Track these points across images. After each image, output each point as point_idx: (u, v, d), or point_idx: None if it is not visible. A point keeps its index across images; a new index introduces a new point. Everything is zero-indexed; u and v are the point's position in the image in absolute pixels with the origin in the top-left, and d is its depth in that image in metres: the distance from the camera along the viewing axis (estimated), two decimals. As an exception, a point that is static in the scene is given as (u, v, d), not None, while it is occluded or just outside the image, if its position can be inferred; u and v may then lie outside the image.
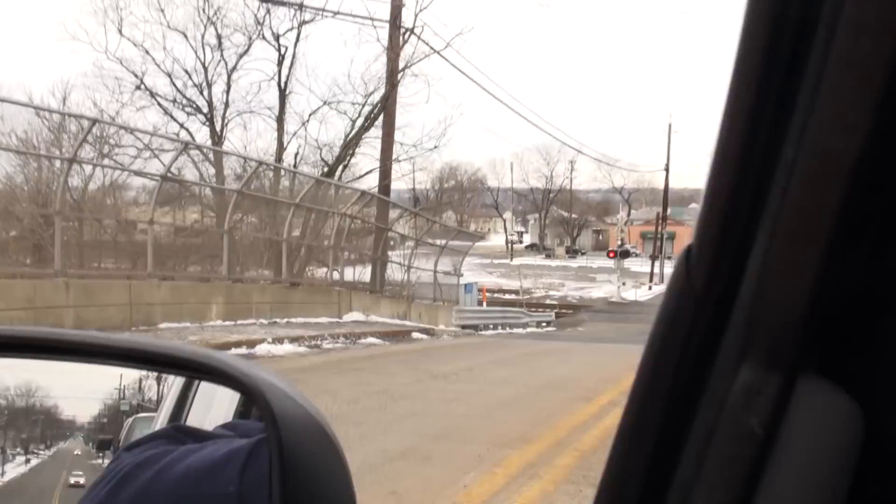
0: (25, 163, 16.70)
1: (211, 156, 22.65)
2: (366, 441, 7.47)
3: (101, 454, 1.89)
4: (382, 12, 27.11)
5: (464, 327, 31.12)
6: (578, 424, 8.81)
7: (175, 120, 27.89)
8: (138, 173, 19.34)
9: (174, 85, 27.80)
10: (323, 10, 27.16)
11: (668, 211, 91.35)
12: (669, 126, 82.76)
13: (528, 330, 39.90)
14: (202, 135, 28.12)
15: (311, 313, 20.35)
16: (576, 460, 7.17)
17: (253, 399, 1.07)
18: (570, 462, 7.09)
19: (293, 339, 15.19)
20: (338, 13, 26.69)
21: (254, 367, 1.09)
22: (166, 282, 16.44)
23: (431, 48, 27.29)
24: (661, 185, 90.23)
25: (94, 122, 17.71)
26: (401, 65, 27.37)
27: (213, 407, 1.88)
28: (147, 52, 27.44)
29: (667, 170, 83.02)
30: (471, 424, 8.58)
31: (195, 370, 1.26)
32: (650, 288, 73.40)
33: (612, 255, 65.15)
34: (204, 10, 27.64)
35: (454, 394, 10.46)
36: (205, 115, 27.91)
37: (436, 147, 30.38)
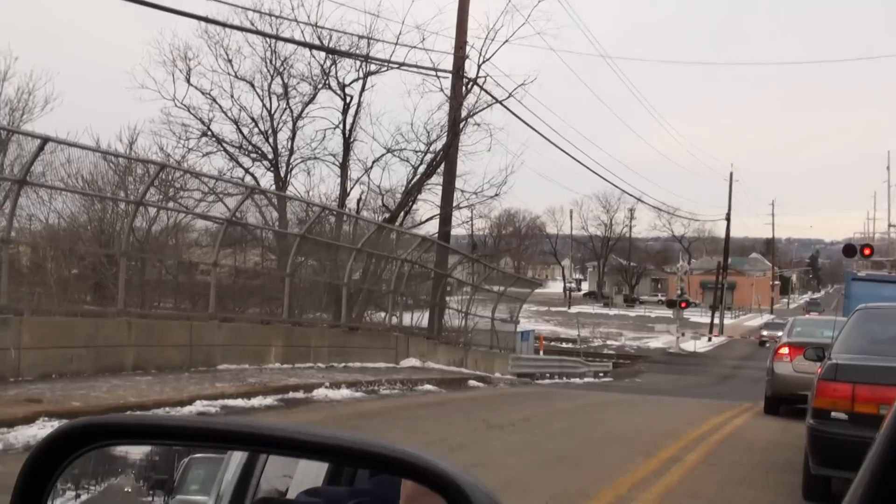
0: (90, 204, 17.04)
1: (275, 200, 22.90)
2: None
3: (151, 493, 1.89)
4: (446, 63, 27.40)
5: (520, 375, 30.95)
6: (639, 481, 8.68)
7: (240, 165, 28.39)
8: (203, 216, 19.65)
9: (240, 132, 28.33)
10: (389, 61, 27.52)
11: (729, 261, 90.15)
12: (731, 175, 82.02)
13: (586, 380, 39.53)
14: (266, 180, 28.58)
15: (369, 358, 20.41)
16: (636, 520, 7.09)
17: (451, 494, 1.13)
18: (631, 521, 7.00)
19: (350, 384, 15.22)
20: (403, 64, 27.02)
21: (443, 463, 1.14)
22: (227, 323, 16.61)
23: (494, 98, 27.48)
24: (722, 235, 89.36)
25: (162, 166, 18.10)
26: (463, 114, 27.57)
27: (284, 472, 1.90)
28: (214, 101, 28.01)
29: (728, 219, 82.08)
30: (530, 479, 8.50)
31: (384, 465, 1.31)
32: (710, 339, 72.42)
33: (683, 305, 64.16)
34: (271, 61, 28.19)
35: (512, 445, 10.39)
36: (269, 160, 28.35)
37: (497, 195, 30.45)
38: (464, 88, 27.33)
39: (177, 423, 1.69)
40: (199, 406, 11.08)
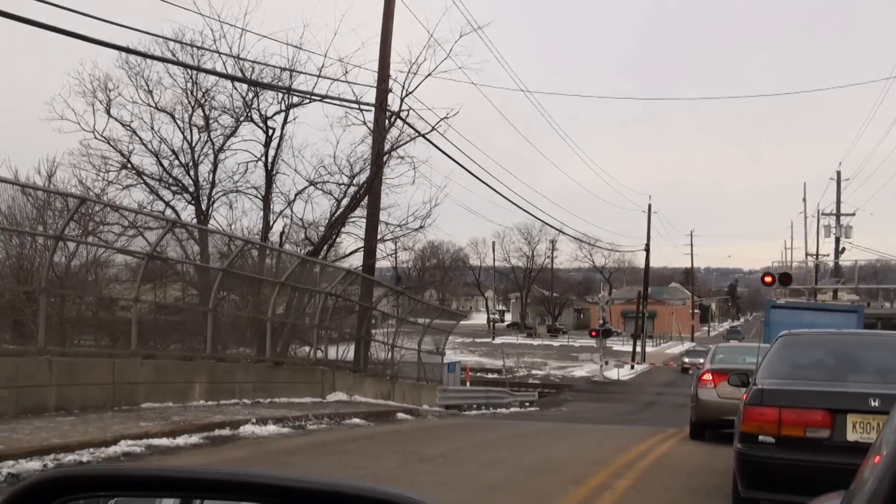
0: (8, 239, 16.62)
1: (196, 234, 22.59)
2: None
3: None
4: (369, 96, 27.43)
5: (448, 407, 30.91)
6: (570, 509, 8.71)
7: (161, 199, 27.95)
8: (124, 251, 19.29)
9: (161, 164, 27.91)
10: (311, 94, 27.41)
11: (649, 290, 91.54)
12: (649, 206, 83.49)
13: (512, 410, 39.63)
14: (187, 213, 28.17)
15: (295, 393, 20.17)
16: (570, 548, 7.09)
17: None
18: (565, 550, 6.99)
19: (277, 420, 15.01)
20: (325, 97, 26.91)
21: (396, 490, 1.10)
22: (149, 360, 16.26)
23: (417, 131, 27.53)
24: (641, 265, 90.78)
25: (82, 200, 17.73)
26: (386, 147, 27.59)
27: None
28: (134, 132, 27.58)
29: (647, 249, 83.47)
30: (462, 510, 8.47)
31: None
32: (632, 367, 73.24)
33: (594, 333, 65.03)
34: (192, 93, 27.90)
35: (444, 477, 10.33)
36: (191, 193, 27.97)
37: (421, 227, 30.43)
38: (387, 122, 27.37)
39: (157, 473, 1.62)
40: (123, 446, 10.80)
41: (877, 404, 7.22)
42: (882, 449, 1.75)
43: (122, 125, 27.42)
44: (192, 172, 28.01)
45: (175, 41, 26.14)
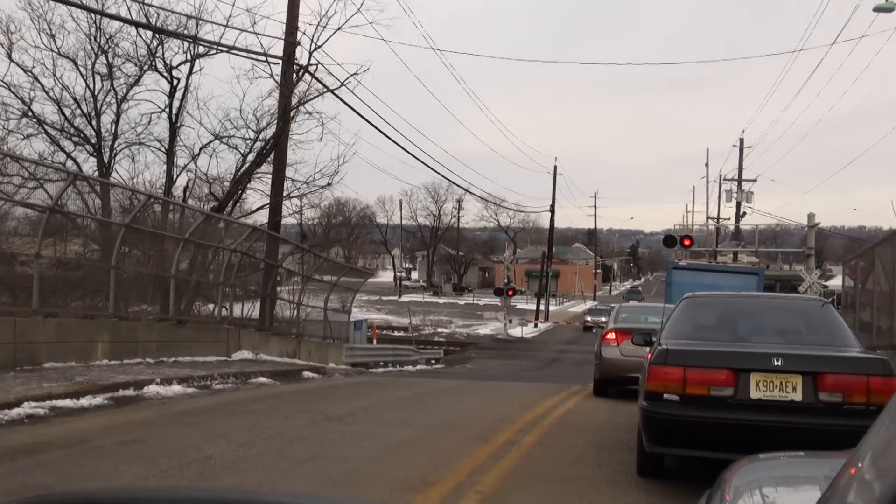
0: None
1: (98, 187, 21.97)
2: (264, 489, 7.31)
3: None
4: (277, 48, 26.94)
5: (354, 365, 30.92)
6: (478, 466, 8.79)
7: (62, 150, 27.05)
8: (25, 204, 18.63)
9: (62, 113, 26.98)
10: (218, 44, 26.78)
11: (553, 250, 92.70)
12: (555, 168, 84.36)
13: (418, 367, 39.87)
14: (89, 165, 27.37)
15: (199, 352, 19.91)
16: (478, 503, 7.15)
17: None
18: (474, 506, 7.07)
19: (182, 380, 14.79)
20: (233, 48, 26.30)
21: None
22: (51, 318, 15.81)
23: (325, 87, 27.17)
24: (546, 225, 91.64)
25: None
26: (294, 102, 27.18)
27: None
28: (36, 79, 26.63)
29: (552, 210, 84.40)
30: (371, 468, 8.48)
31: None
32: (536, 325, 74.30)
33: (511, 293, 65.63)
34: (96, 38, 27.00)
35: (351, 436, 10.33)
36: (92, 145, 27.14)
37: (329, 185, 30.17)
38: (295, 76, 26.95)
39: (126, 496, 1.53)
40: (27, 408, 10.53)
41: (779, 364, 7.46)
42: (858, 461, 1.78)
43: (24, 70, 26.49)
44: (94, 122, 27.19)
45: (80, -18, 25.25)
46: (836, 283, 43.91)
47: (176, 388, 14.07)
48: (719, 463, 7.25)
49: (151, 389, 13.50)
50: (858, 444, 1.95)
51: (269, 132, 27.77)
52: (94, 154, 27.22)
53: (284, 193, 28.39)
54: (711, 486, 3.11)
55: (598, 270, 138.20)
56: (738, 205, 60.14)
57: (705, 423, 7.53)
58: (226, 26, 26.57)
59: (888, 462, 1.66)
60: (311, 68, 27.07)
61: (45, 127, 26.76)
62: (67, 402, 11.36)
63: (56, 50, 26.64)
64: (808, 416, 7.36)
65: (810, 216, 37.49)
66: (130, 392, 13.06)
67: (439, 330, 67.82)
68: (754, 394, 7.47)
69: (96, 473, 7.62)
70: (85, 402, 11.68)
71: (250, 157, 28.31)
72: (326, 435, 10.36)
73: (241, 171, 28.31)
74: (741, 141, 64.21)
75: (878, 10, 27.54)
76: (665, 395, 7.65)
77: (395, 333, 59.54)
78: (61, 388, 11.98)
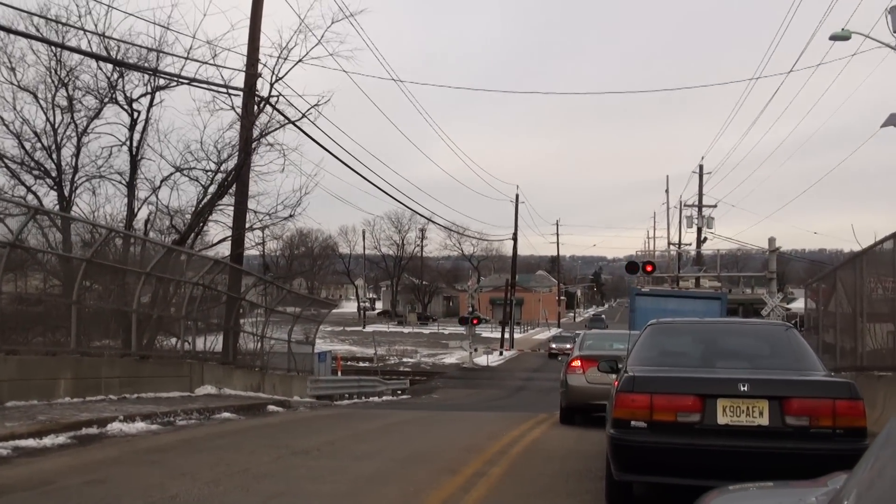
0: None
1: (59, 221, 21.74)
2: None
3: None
4: (238, 80, 26.89)
5: (319, 398, 30.74)
6: (447, 498, 8.76)
7: (23, 183, 26.67)
8: (-17, 240, 18.38)
9: (22, 146, 26.62)
10: (178, 76, 26.66)
11: (516, 278, 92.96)
12: (517, 196, 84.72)
13: (384, 398, 39.73)
14: (50, 199, 27.02)
15: (162, 388, 19.68)
16: (449, 537, 7.12)
17: None
18: (444, 539, 7.02)
19: (145, 417, 14.62)
20: (193, 80, 26.22)
21: None
22: (12, 356, 15.55)
23: (286, 118, 27.16)
24: (509, 253, 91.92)
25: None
26: (255, 133, 27.13)
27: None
28: (-6, 112, 26.34)
29: (514, 238, 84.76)
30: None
31: None
32: (501, 353, 74.32)
33: (476, 321, 65.66)
34: (56, 71, 26.78)
35: (318, 471, 10.25)
36: (53, 178, 26.85)
37: (291, 216, 30.03)
38: (256, 107, 26.92)
39: None
40: (-11, 448, 10.35)
41: (746, 389, 7.52)
42: (844, 499, 1.80)
43: (-17, 104, 26.17)
44: (54, 156, 26.88)
45: (39, 16, 25.05)
46: (798, 305, 44.40)
47: (139, 425, 13.89)
48: (688, 490, 7.28)
49: (115, 427, 13.31)
50: (844, 482, 1.96)
51: (231, 164, 27.67)
52: (55, 188, 26.93)
53: (247, 225, 28.26)
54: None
55: (562, 297, 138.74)
56: (699, 230, 60.74)
57: (673, 449, 7.55)
58: (186, 58, 26.51)
59: (873, 500, 1.67)
60: (273, 100, 27.09)
61: (5, 161, 26.45)
62: (30, 442, 11.16)
63: (16, 83, 26.41)
64: (775, 441, 7.40)
65: (771, 240, 37.94)
66: (94, 430, 12.87)
67: (405, 360, 67.68)
68: (721, 419, 7.50)
69: (60, 515, 7.49)
70: (48, 441, 11.49)
71: (212, 190, 28.14)
72: (293, 470, 10.26)
73: (203, 203, 28.13)
74: (700, 167, 64.97)
75: (834, 38, 28.07)
76: (633, 423, 7.67)
77: (360, 364, 59.31)
78: (24, 427, 11.78)
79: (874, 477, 1.73)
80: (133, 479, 9.47)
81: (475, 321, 64.45)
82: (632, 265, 37.65)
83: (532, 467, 11.11)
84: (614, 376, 9.34)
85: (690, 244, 65.74)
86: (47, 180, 26.94)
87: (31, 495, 8.38)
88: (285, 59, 27.00)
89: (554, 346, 72.17)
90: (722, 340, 9.38)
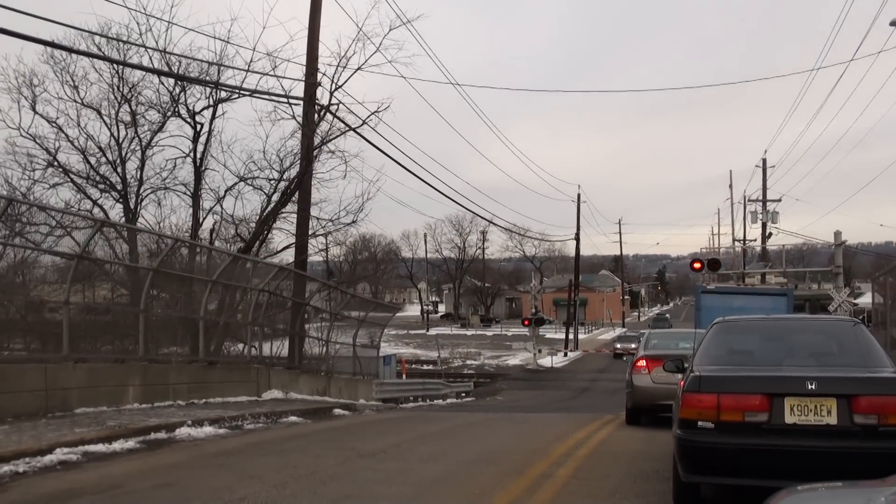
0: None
1: (125, 233, 22.15)
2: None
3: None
4: (298, 90, 27.16)
5: (385, 401, 30.85)
6: (513, 500, 8.72)
7: (88, 197, 27.31)
8: (53, 252, 18.83)
9: (88, 162, 27.25)
10: (240, 88, 27.03)
11: (580, 278, 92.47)
12: (578, 196, 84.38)
13: (449, 401, 39.76)
14: (115, 212, 27.60)
15: (230, 392, 19.94)
16: (515, 539, 7.09)
17: None
18: (510, 542, 6.99)
19: (213, 421, 14.80)
20: (254, 92, 26.56)
21: None
22: (81, 364, 15.88)
23: (347, 125, 27.38)
24: (571, 253, 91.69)
25: (9, 201, 17.27)
26: (316, 141, 27.36)
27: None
28: (60, 129, 26.90)
29: (577, 238, 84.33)
30: (405, 506, 8.43)
31: None
32: (565, 354, 73.94)
33: (526, 322, 65.51)
34: (118, 88, 27.32)
35: (384, 473, 10.28)
36: (118, 191, 27.38)
37: (354, 222, 30.26)
38: (316, 116, 27.16)
39: None
40: (59, 454, 10.55)
41: (813, 387, 7.37)
42: None
43: (48, 122, 26.80)
44: (119, 170, 27.44)
45: (101, 35, 25.62)
46: (865, 300, 43.50)
47: (207, 430, 14.07)
48: (756, 491, 7.16)
49: (183, 431, 13.51)
50: None
51: (293, 172, 27.95)
52: (121, 200, 27.47)
53: (310, 232, 28.50)
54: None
55: (626, 297, 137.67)
56: (764, 225, 59.82)
57: (741, 450, 7.43)
58: (247, 70, 26.86)
59: None
60: (333, 108, 27.32)
61: (71, 175, 27.04)
62: (100, 447, 11.38)
63: (80, 100, 26.98)
64: (843, 440, 7.25)
65: (837, 234, 37.22)
66: (162, 435, 13.08)
67: (468, 362, 67.66)
68: (789, 418, 7.37)
69: (131, 519, 7.61)
70: (117, 446, 11.70)
71: (275, 198, 28.46)
72: (359, 473, 10.31)
73: (267, 211, 28.46)
74: (763, 161, 63.98)
75: (894, 24, 27.51)
76: (699, 423, 7.56)
77: (425, 367, 59.45)
78: (93, 433, 12.01)
79: None
80: (201, 482, 9.59)
81: (537, 322, 64.17)
82: (696, 262, 37.13)
83: (599, 469, 11.01)
84: (680, 376, 9.22)
85: (755, 240, 64.73)
86: (113, 193, 27.48)
87: (101, 499, 8.53)
88: (344, 67, 27.24)
89: (619, 346, 71.64)
90: (789, 338, 9.21)
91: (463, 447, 13.58)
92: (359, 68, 27.37)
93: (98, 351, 18.59)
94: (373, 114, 27.25)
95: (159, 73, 26.66)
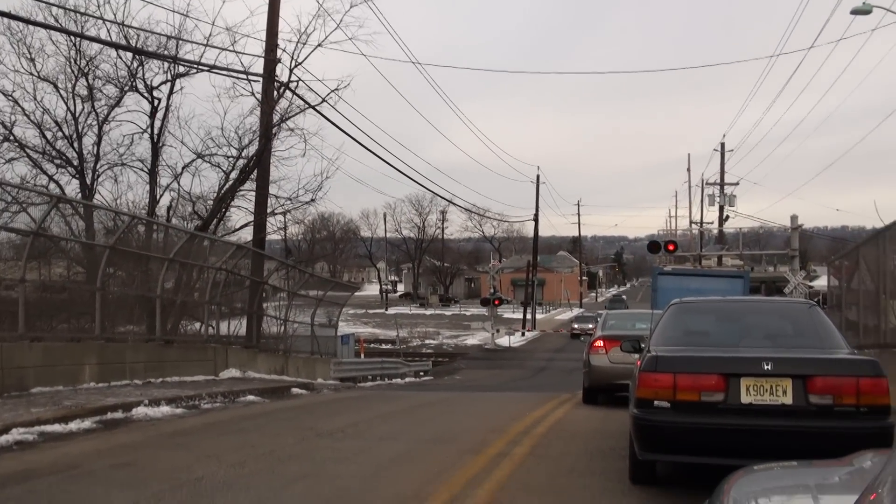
0: None
1: (81, 210, 21.88)
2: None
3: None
4: (258, 66, 26.95)
5: (343, 380, 30.85)
6: (471, 478, 8.77)
7: (45, 172, 26.95)
8: (8, 229, 18.53)
9: (44, 136, 26.89)
10: (198, 63, 26.75)
11: (538, 259, 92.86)
12: (538, 178, 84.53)
13: (407, 380, 39.84)
14: (72, 187, 27.26)
15: (187, 372, 19.82)
16: (473, 518, 7.14)
17: None
18: (468, 520, 7.04)
19: (170, 401, 14.72)
20: (213, 67, 26.31)
21: None
22: (37, 343, 15.70)
23: (307, 103, 27.22)
24: (530, 234, 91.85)
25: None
26: (276, 119, 27.18)
27: None
28: (16, 103, 26.53)
29: (536, 219, 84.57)
30: (363, 485, 8.45)
31: None
32: (523, 334, 74.30)
33: (497, 302, 65.68)
34: (76, 61, 26.93)
35: (342, 453, 10.29)
36: (75, 167, 27.04)
37: (313, 200, 30.16)
38: (276, 93, 26.98)
39: None
40: (16, 434, 10.44)
41: (769, 368, 7.48)
42: (879, 487, 1.79)
43: (4, 95, 26.41)
44: (76, 145, 27.09)
45: (58, 6, 25.23)
46: (821, 283, 44.12)
47: (164, 409, 13.99)
48: (712, 469, 7.27)
49: (140, 411, 13.42)
50: (880, 471, 1.95)
51: (252, 149, 27.77)
52: (77, 176, 27.13)
53: (268, 210, 28.38)
54: (710, 496, 3.12)
55: (584, 278, 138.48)
56: (721, 209, 60.41)
57: (697, 428, 7.54)
58: (206, 45, 26.60)
59: None
60: (292, 85, 27.16)
61: (27, 150, 26.67)
62: (56, 427, 11.28)
63: (36, 73, 26.60)
64: (799, 420, 7.37)
65: (793, 217, 37.69)
66: (119, 414, 12.99)
67: (427, 342, 67.79)
68: (745, 398, 7.48)
69: (88, 499, 7.57)
70: (74, 426, 11.60)
71: (233, 175, 28.27)
72: (317, 452, 10.32)
73: (225, 189, 28.25)
74: (722, 145, 64.55)
75: (855, 12, 27.81)
76: (656, 402, 7.66)
77: (383, 346, 59.47)
78: (50, 412, 11.90)
79: None
80: (159, 462, 9.56)
81: (496, 302, 64.47)
82: (654, 244, 37.50)
83: (556, 447, 11.12)
84: (637, 356, 9.32)
85: (712, 223, 65.45)
86: (69, 169, 27.15)
87: (58, 479, 8.47)
88: (304, 43, 27.08)
89: (576, 326, 72.14)
90: (745, 319, 9.33)
91: (421, 426, 13.64)
92: (319, 45, 27.24)
93: (54, 329, 18.37)
94: (333, 91, 27.15)
95: (117, 46, 26.30)
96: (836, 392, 7.37)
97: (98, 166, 27.50)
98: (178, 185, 28.70)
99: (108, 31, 26.37)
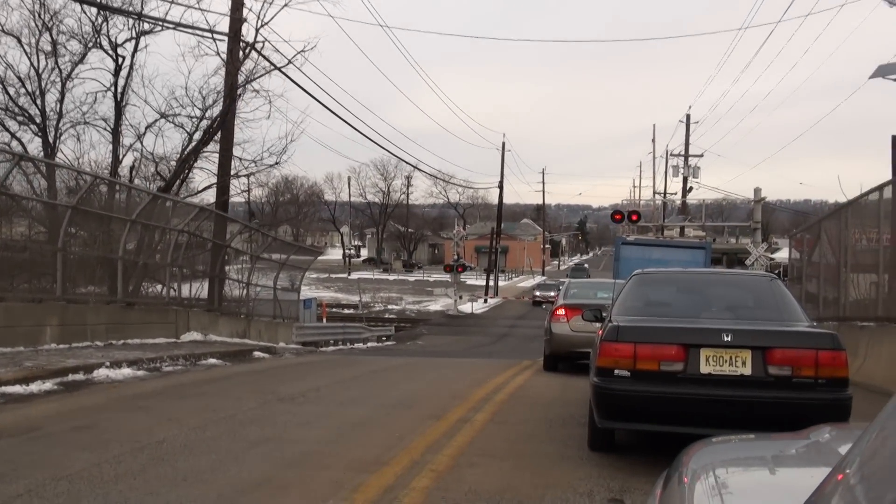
0: None
1: (44, 168, 21.60)
2: (218, 472, 7.28)
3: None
4: (223, 25, 26.65)
5: (305, 344, 30.85)
6: (432, 444, 8.85)
7: (7, 130, 26.53)
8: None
9: (6, 92, 26.44)
10: (163, 20, 26.41)
11: (502, 226, 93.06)
12: (503, 145, 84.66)
13: (369, 345, 39.92)
14: (34, 145, 26.90)
15: (148, 334, 19.75)
16: (433, 482, 7.19)
17: None
18: (428, 483, 7.10)
19: (131, 363, 14.67)
20: (178, 25, 25.98)
21: None
22: (-2, 303, 15.58)
23: (272, 64, 26.97)
24: (495, 201, 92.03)
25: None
26: (241, 80, 26.93)
27: None
28: (-22, 57, 26.07)
29: (500, 186, 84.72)
30: (324, 449, 8.49)
31: None
32: (486, 301, 74.60)
33: (448, 268, 65.91)
34: (40, 15, 26.48)
35: (304, 417, 10.34)
36: (37, 125, 26.65)
37: (277, 164, 29.99)
38: (241, 53, 26.71)
39: None
40: (-25, 395, 10.39)
41: (729, 339, 7.59)
42: (847, 468, 1.83)
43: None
44: (38, 102, 26.68)
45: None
46: (782, 255, 44.70)
47: (126, 371, 13.95)
48: (669, 437, 7.39)
49: (101, 373, 13.37)
50: (847, 451, 2.00)
51: (216, 110, 27.52)
52: (39, 134, 26.75)
53: (232, 172, 28.18)
54: (668, 468, 3.19)
55: (547, 246, 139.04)
56: (685, 180, 60.84)
57: (656, 397, 7.64)
58: (172, 2, 26.23)
59: (875, 470, 1.70)
60: (258, 45, 26.90)
61: (-11, 106, 26.24)
62: (17, 389, 11.21)
63: (0, 27, 26.10)
64: (757, 390, 7.49)
65: (756, 190, 38.05)
66: (80, 376, 12.93)
67: (390, 307, 67.89)
68: (704, 368, 7.59)
69: (49, 461, 7.55)
70: (34, 387, 11.54)
71: (197, 136, 28.01)
72: (279, 416, 10.35)
73: (188, 150, 28.00)
74: (688, 116, 64.87)
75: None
76: (616, 371, 7.75)
77: (346, 311, 59.48)
78: (10, 373, 11.82)
79: (878, 446, 1.77)
80: (120, 424, 9.54)
81: (460, 269, 64.63)
82: (617, 214, 37.68)
83: (516, 414, 11.22)
84: (598, 325, 9.41)
85: (676, 193, 65.87)
86: (31, 126, 26.76)
87: (19, 441, 8.43)
88: (271, 3, 26.76)
89: (538, 293, 72.56)
90: (706, 291, 9.44)
91: (382, 392, 13.70)
92: (286, 4, 26.94)
93: (15, 290, 18.18)
94: (299, 53, 26.95)
95: (82, 0, 25.86)
96: (795, 364, 7.49)
97: (61, 124, 27.14)
98: (142, 145, 28.41)
99: (74, -17, 25.93)
